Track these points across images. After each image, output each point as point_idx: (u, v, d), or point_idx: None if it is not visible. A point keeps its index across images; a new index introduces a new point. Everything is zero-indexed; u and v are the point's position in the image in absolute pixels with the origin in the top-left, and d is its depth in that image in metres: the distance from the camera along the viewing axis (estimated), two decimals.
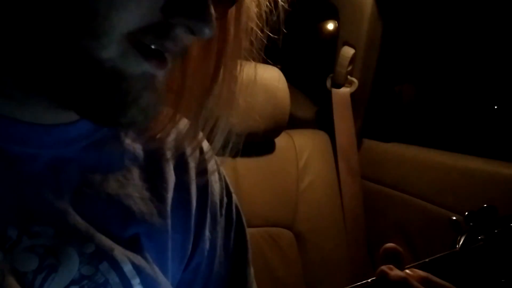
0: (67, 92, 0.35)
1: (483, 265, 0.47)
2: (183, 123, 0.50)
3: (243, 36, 0.45)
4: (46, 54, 0.33)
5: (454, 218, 0.49)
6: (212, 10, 0.35)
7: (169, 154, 0.49)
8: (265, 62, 0.50)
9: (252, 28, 0.46)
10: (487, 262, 0.47)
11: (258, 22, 0.46)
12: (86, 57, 0.33)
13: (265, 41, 0.47)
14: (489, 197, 1.09)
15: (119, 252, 0.41)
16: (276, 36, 0.48)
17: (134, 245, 0.42)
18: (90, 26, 0.32)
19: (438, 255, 0.47)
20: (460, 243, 0.48)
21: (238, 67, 0.46)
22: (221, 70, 0.46)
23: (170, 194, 0.47)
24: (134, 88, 0.35)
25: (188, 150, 0.51)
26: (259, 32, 0.46)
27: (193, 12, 0.34)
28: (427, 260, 0.46)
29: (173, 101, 0.47)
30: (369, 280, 0.44)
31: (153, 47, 0.35)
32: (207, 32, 0.35)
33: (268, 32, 0.47)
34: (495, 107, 1.40)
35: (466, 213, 0.49)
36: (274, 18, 0.46)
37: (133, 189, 0.44)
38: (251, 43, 0.46)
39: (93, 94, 0.34)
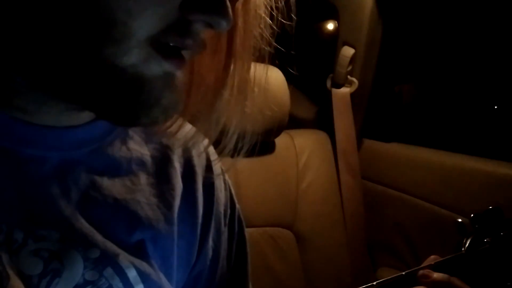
0: (90, 96, 0.35)
1: (489, 268, 0.47)
2: (188, 126, 0.49)
3: (252, 25, 0.44)
4: (69, 61, 0.33)
5: (460, 220, 0.49)
6: (228, 3, 0.35)
7: (176, 159, 0.48)
8: (273, 57, 0.48)
9: (261, 16, 0.45)
10: (493, 265, 0.47)
11: (266, 9, 0.45)
12: (109, 64, 0.33)
13: (276, 28, 0.46)
14: (489, 197, 1.09)
15: (124, 258, 0.40)
16: (287, 25, 0.47)
17: (139, 251, 0.42)
18: (110, 34, 0.32)
19: (444, 258, 0.47)
20: (466, 245, 0.47)
21: (248, 64, 0.46)
22: (232, 65, 0.45)
23: (177, 201, 0.47)
24: (156, 89, 0.35)
25: (195, 156, 0.50)
26: (269, 19, 0.46)
27: (211, 6, 0.34)
28: (433, 263, 0.46)
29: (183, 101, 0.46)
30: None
31: (171, 44, 0.35)
32: (224, 24, 0.35)
33: (280, 19, 0.46)
34: (495, 107, 1.40)
35: (472, 215, 0.49)
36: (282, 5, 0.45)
37: (140, 194, 0.44)
38: (261, 32, 0.46)
39: (117, 97, 0.34)
